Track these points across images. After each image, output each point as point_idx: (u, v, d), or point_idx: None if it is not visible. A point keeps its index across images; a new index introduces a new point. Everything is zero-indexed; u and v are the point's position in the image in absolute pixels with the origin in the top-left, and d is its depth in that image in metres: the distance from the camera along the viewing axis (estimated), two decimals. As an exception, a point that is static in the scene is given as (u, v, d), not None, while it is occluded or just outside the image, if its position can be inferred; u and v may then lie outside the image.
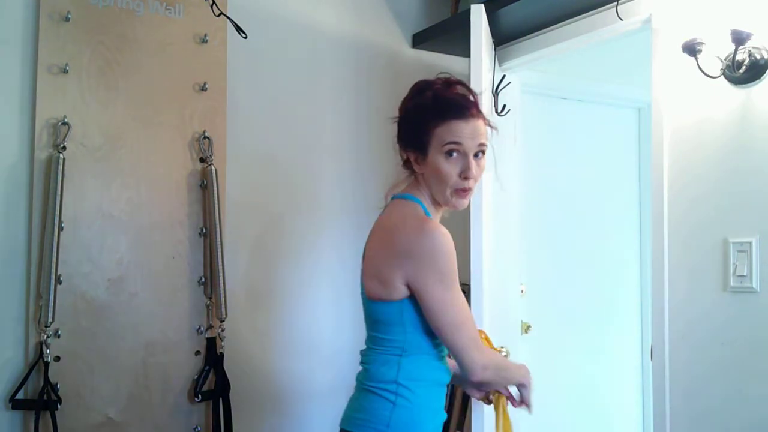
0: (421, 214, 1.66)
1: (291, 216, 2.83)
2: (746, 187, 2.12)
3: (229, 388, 2.56)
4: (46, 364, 2.28)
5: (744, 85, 2.12)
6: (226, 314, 2.55)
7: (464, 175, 1.64)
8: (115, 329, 2.42)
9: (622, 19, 2.46)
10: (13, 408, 2.28)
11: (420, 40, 3.09)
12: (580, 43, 2.71)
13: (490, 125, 1.72)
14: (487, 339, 2.11)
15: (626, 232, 3.57)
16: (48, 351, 2.29)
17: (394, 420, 1.62)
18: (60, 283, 2.32)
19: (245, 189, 2.72)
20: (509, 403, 1.88)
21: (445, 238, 1.60)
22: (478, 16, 2.49)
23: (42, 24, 2.36)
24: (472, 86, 2.38)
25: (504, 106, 2.83)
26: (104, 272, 2.42)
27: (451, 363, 1.76)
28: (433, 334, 1.66)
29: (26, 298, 2.33)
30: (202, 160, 2.59)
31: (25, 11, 2.37)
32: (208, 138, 2.59)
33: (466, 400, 2.73)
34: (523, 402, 1.84)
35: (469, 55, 2.45)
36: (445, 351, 1.72)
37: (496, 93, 2.82)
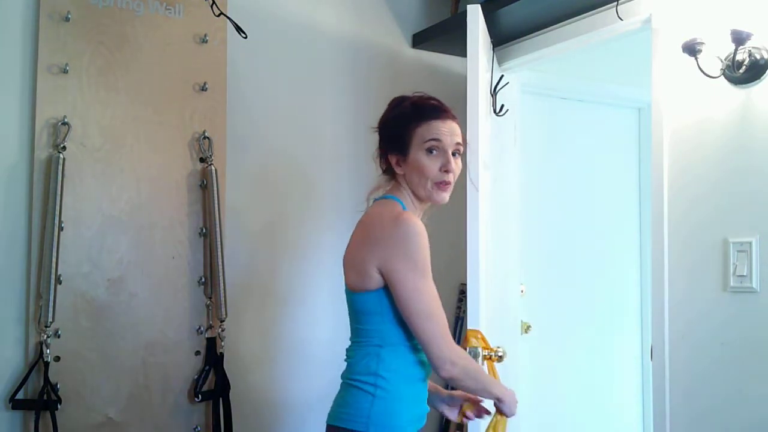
0: (399, 209, 1.71)
1: (291, 216, 2.83)
2: (746, 187, 2.12)
3: (229, 388, 2.56)
4: (46, 364, 2.28)
5: (744, 85, 2.12)
6: (226, 314, 2.55)
7: (444, 168, 1.72)
8: (115, 329, 2.42)
9: (622, 19, 2.46)
10: (13, 408, 2.28)
11: (420, 40, 3.09)
12: (580, 43, 2.71)
13: (464, 139, 1.81)
14: (483, 339, 2.11)
15: (626, 232, 3.57)
16: (48, 351, 2.29)
17: (374, 412, 1.65)
18: (60, 283, 2.32)
19: (245, 189, 2.72)
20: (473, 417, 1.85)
21: (418, 228, 1.65)
22: (475, 16, 2.50)
23: (42, 24, 2.36)
24: (469, 86, 2.42)
25: (502, 106, 2.83)
26: (104, 272, 2.42)
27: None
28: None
29: (26, 298, 2.33)
30: (202, 160, 2.59)
31: (25, 11, 2.37)
32: (208, 138, 2.59)
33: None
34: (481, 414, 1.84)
35: (468, 55, 2.46)
36: None
37: (494, 93, 2.82)
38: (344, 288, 1.77)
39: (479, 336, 2.12)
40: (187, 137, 2.57)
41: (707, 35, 2.13)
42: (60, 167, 2.32)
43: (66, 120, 2.37)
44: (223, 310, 2.54)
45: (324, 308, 2.85)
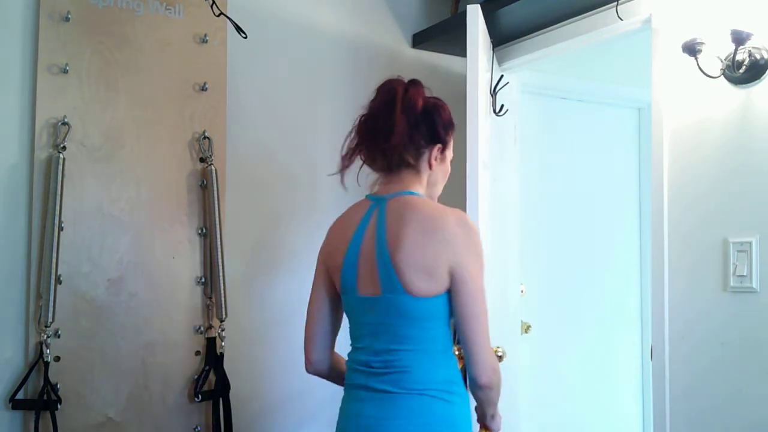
0: (450, 208, 1.69)
1: (291, 216, 2.83)
2: (746, 187, 2.12)
3: (229, 388, 2.56)
4: (46, 364, 2.28)
5: (744, 85, 2.12)
6: (226, 314, 2.55)
7: None
8: (115, 329, 2.42)
9: (622, 19, 2.46)
10: (13, 408, 2.28)
11: (420, 40, 3.09)
12: (580, 43, 2.71)
13: None
14: None
15: (626, 232, 3.57)
16: (48, 351, 2.29)
17: (458, 421, 1.63)
18: (60, 283, 2.32)
19: (245, 189, 2.72)
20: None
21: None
22: (475, 16, 2.50)
23: (42, 24, 2.36)
24: (469, 86, 2.44)
25: (502, 106, 2.83)
26: (104, 272, 2.42)
27: None
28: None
29: (26, 298, 2.33)
30: (202, 160, 2.59)
31: (25, 11, 2.37)
32: (208, 138, 2.59)
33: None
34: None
35: (469, 56, 2.46)
36: None
37: (494, 93, 2.82)
38: (387, 291, 1.63)
39: None
40: (187, 137, 2.57)
41: (707, 35, 2.13)
42: (60, 167, 2.32)
43: (66, 120, 2.37)
44: (223, 310, 2.54)
45: (324, 308, 2.85)
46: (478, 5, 2.53)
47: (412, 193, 1.71)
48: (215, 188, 2.56)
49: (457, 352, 1.73)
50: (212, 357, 2.55)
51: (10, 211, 2.33)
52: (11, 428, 2.30)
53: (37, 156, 2.35)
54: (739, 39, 2.03)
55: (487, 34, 2.68)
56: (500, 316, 2.80)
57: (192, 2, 2.58)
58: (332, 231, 1.86)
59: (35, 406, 2.26)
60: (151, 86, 2.52)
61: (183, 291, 2.54)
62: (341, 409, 1.77)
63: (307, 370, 1.85)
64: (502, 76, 2.87)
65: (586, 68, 3.35)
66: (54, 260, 2.28)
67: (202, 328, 2.56)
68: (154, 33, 2.53)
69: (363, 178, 1.79)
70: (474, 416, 1.77)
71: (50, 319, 2.27)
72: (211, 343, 2.56)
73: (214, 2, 2.56)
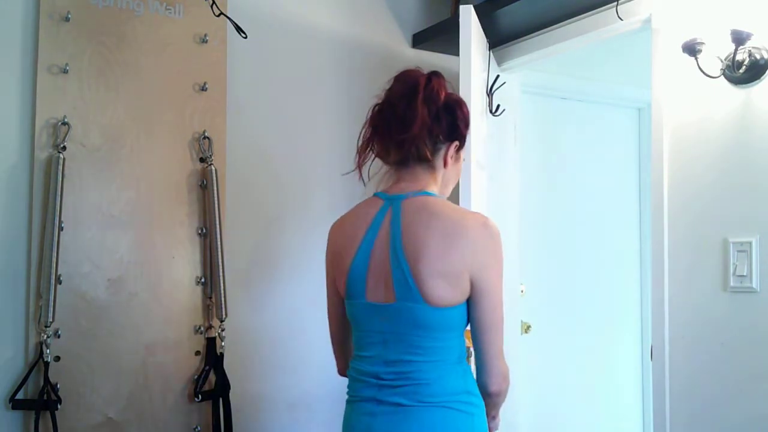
0: (473, 211, 1.68)
1: (291, 216, 2.83)
2: (746, 187, 2.12)
3: (229, 388, 2.56)
4: (46, 364, 2.28)
5: (744, 85, 2.12)
6: (226, 314, 2.55)
7: None
8: (115, 329, 2.42)
9: (622, 19, 2.46)
10: (13, 408, 2.28)
11: (420, 40, 3.09)
12: (580, 43, 2.71)
13: None
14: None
15: (626, 231, 3.57)
16: (48, 351, 2.29)
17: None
18: (60, 283, 2.32)
19: (245, 189, 2.72)
20: None
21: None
22: (468, 17, 2.49)
23: (42, 24, 2.36)
24: (462, 87, 2.41)
25: (498, 106, 2.83)
26: (104, 272, 2.42)
27: None
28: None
29: (26, 298, 2.33)
30: (202, 160, 2.59)
31: (25, 11, 2.37)
32: (208, 138, 2.59)
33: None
34: None
35: (469, 56, 2.46)
36: None
37: (490, 93, 2.82)
38: (407, 302, 1.54)
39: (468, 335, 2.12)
40: (187, 137, 2.57)
41: (707, 35, 2.13)
42: (60, 167, 2.32)
43: (66, 120, 2.37)
44: (223, 310, 2.54)
45: (325, 308, 2.85)
46: (471, 6, 2.53)
47: (428, 194, 1.61)
48: (215, 188, 2.55)
49: None
50: (212, 357, 2.55)
51: (10, 211, 2.33)
52: (11, 428, 2.30)
53: (37, 156, 2.35)
54: (739, 39, 2.03)
55: (483, 34, 2.68)
56: (500, 316, 2.80)
57: (192, 2, 2.58)
58: (338, 230, 1.74)
59: (35, 406, 2.26)
60: (151, 86, 2.52)
61: (183, 291, 2.54)
62: (346, 423, 1.67)
63: (340, 374, 1.83)
64: (498, 76, 2.87)
65: (586, 68, 3.35)
66: (54, 260, 2.28)
67: (202, 328, 2.56)
68: (154, 33, 2.53)
69: (366, 173, 1.72)
70: None
71: (50, 319, 2.27)
72: (211, 343, 2.56)
73: (214, 2, 2.56)
